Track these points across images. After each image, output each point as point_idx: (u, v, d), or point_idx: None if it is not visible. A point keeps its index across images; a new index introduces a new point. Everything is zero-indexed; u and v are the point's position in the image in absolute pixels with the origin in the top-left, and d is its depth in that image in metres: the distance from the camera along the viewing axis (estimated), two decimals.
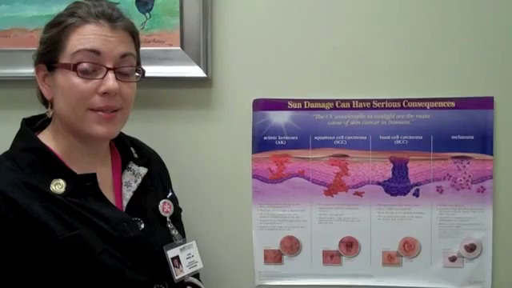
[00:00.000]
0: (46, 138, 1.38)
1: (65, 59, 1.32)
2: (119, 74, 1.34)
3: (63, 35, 1.32)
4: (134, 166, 1.46)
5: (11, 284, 1.25)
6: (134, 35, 1.39)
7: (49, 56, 1.34)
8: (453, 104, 1.66)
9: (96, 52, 1.31)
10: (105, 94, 1.32)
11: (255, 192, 1.72)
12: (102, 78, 1.32)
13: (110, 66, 1.32)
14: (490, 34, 1.65)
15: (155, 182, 1.50)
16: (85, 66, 1.31)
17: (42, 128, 1.41)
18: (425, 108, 1.67)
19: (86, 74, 1.31)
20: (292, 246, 1.72)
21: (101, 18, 1.33)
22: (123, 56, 1.35)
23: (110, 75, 1.32)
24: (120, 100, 1.34)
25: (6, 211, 1.24)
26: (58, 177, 1.31)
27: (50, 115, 1.39)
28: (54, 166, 1.33)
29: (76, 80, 1.31)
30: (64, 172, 1.33)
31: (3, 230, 1.24)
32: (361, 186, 1.70)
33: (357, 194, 1.70)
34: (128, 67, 1.36)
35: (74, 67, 1.31)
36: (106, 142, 1.44)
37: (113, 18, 1.34)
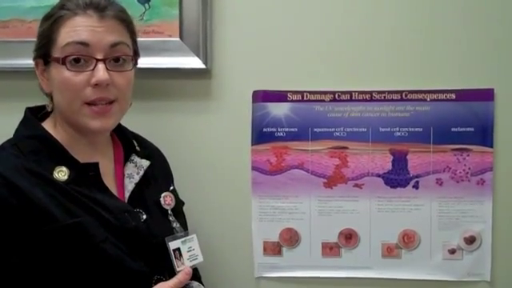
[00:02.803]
0: (47, 127, 1.38)
1: (56, 53, 1.33)
2: (111, 63, 1.34)
3: (53, 28, 1.33)
4: (137, 159, 1.47)
5: (13, 269, 1.26)
6: (125, 23, 1.38)
7: (43, 50, 1.35)
8: (453, 96, 1.65)
9: (84, 44, 1.31)
10: (96, 85, 1.32)
11: (254, 184, 1.72)
12: (93, 69, 1.32)
13: (100, 56, 1.32)
14: (490, 25, 1.64)
15: (157, 175, 1.51)
16: (73, 58, 1.31)
17: (43, 119, 1.42)
18: (425, 100, 1.66)
19: (75, 67, 1.32)
20: (291, 238, 1.72)
21: (88, 8, 1.33)
22: (114, 45, 1.34)
23: (100, 66, 1.32)
24: (114, 91, 1.34)
25: (9, 196, 1.25)
26: (61, 164, 1.32)
27: (49, 109, 1.40)
28: (58, 154, 1.34)
29: (67, 73, 1.32)
30: (67, 160, 1.33)
31: (6, 216, 1.25)
32: (360, 178, 1.69)
33: (356, 186, 1.69)
34: (120, 56, 1.35)
35: (62, 61, 1.31)
36: (105, 134, 1.44)
37: (100, 7, 1.34)
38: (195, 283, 1.49)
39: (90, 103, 1.33)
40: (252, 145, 1.71)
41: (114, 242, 1.30)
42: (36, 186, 1.27)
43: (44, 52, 1.35)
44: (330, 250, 1.72)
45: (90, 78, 1.32)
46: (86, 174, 1.34)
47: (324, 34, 1.67)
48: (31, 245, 1.25)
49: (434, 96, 1.66)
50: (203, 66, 1.66)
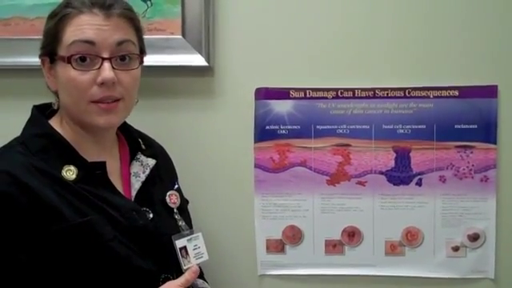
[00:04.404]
0: (54, 125, 1.38)
1: (62, 51, 1.32)
2: (117, 62, 1.33)
3: (59, 27, 1.32)
4: (143, 157, 1.47)
5: (23, 267, 1.25)
6: (132, 21, 1.37)
7: (49, 48, 1.35)
8: (456, 93, 1.65)
9: (90, 42, 1.31)
10: (102, 84, 1.31)
11: (257, 181, 1.71)
12: (99, 68, 1.31)
13: (105, 55, 1.31)
14: (493, 22, 1.64)
15: (162, 173, 1.51)
16: (78, 57, 1.31)
17: (49, 117, 1.41)
18: (428, 97, 1.66)
19: (81, 66, 1.31)
20: (294, 236, 1.72)
21: (94, 7, 1.32)
22: (120, 44, 1.33)
23: (106, 65, 1.31)
24: (120, 89, 1.34)
25: (19, 195, 1.25)
26: (69, 163, 1.32)
27: (56, 107, 1.40)
28: (66, 153, 1.34)
29: (72, 72, 1.31)
30: (75, 159, 1.33)
31: (16, 214, 1.25)
32: (363, 176, 1.69)
33: (359, 183, 1.69)
34: (126, 55, 1.35)
35: (68, 59, 1.31)
36: (111, 132, 1.44)
37: (106, 5, 1.33)
38: (200, 281, 1.49)
39: (96, 101, 1.32)
40: (255, 142, 1.70)
41: (122, 240, 1.30)
42: (45, 184, 1.27)
43: (50, 50, 1.34)
44: (333, 247, 1.71)
45: (96, 77, 1.31)
46: (94, 172, 1.34)
47: (327, 31, 1.67)
48: (41, 243, 1.25)
49: (438, 93, 1.65)
50: (206, 64, 1.66)
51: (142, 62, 1.40)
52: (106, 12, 1.32)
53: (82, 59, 1.31)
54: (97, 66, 1.31)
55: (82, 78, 1.31)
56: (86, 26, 1.31)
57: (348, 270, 1.71)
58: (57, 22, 1.33)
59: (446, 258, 1.69)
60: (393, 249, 1.70)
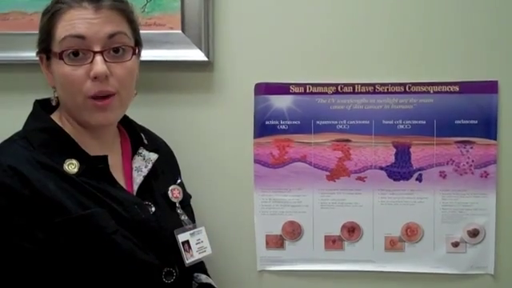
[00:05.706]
0: (55, 120, 1.39)
1: (55, 48, 1.32)
2: (110, 55, 1.33)
3: (51, 23, 1.33)
4: (145, 152, 1.47)
5: (26, 261, 1.25)
6: (124, 13, 1.37)
7: (44, 45, 1.35)
8: (456, 88, 1.65)
9: (81, 37, 1.30)
10: (95, 78, 1.31)
11: (257, 177, 1.71)
12: (91, 62, 1.31)
13: (97, 49, 1.31)
14: (494, 17, 1.63)
15: (164, 168, 1.51)
16: (70, 53, 1.31)
17: (50, 112, 1.41)
18: (428, 92, 1.65)
19: (74, 61, 1.31)
20: (294, 231, 1.71)
21: (84, 0, 1.32)
22: (111, 36, 1.33)
23: (98, 58, 1.31)
24: (114, 83, 1.33)
25: (21, 187, 1.25)
26: (71, 157, 1.33)
27: (54, 103, 1.40)
28: (68, 147, 1.34)
29: (66, 68, 1.31)
30: (77, 153, 1.34)
31: (19, 205, 1.25)
32: (363, 171, 1.69)
33: (359, 178, 1.69)
34: (119, 47, 1.34)
35: (59, 55, 1.31)
36: (112, 128, 1.44)
37: None
38: (203, 276, 1.50)
39: (91, 97, 1.32)
40: (254, 138, 1.70)
41: (124, 233, 1.30)
42: (48, 178, 1.28)
43: (45, 47, 1.35)
44: (332, 243, 1.71)
45: (89, 71, 1.31)
46: (96, 166, 1.35)
47: (327, 26, 1.66)
48: (44, 235, 1.25)
49: (438, 88, 1.65)
50: (205, 59, 1.65)
51: (135, 53, 1.39)
52: (95, 5, 1.32)
53: (75, 54, 1.31)
54: (89, 60, 1.31)
55: (75, 73, 1.31)
56: (76, 21, 1.31)
57: (347, 265, 1.71)
58: (49, 19, 1.33)
59: (446, 253, 1.69)
60: (392, 244, 1.70)
